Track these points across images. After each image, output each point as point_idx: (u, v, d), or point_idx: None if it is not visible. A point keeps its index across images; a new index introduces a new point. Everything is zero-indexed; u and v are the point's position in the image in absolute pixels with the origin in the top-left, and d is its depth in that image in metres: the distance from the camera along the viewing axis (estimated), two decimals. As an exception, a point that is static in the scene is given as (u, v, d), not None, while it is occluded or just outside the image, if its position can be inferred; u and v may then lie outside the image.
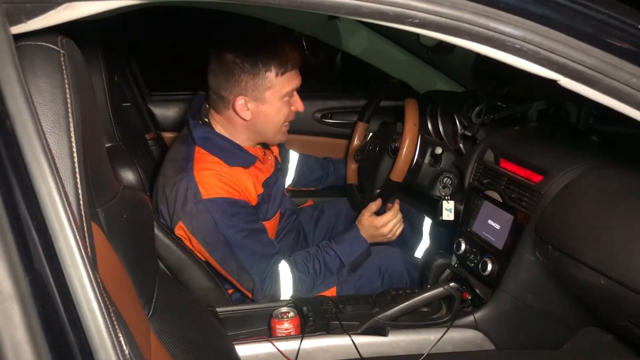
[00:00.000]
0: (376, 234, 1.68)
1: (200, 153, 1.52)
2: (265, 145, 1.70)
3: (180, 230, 1.50)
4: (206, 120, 1.58)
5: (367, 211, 1.70)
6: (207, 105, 1.61)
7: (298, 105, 1.59)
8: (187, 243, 1.53)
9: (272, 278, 1.54)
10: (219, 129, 1.58)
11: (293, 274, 1.56)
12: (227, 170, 1.51)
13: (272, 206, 1.66)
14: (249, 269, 1.51)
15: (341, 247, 1.64)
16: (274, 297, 1.55)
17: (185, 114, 2.29)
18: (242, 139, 1.59)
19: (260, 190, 1.60)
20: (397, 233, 1.73)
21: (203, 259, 1.56)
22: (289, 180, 2.03)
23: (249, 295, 1.56)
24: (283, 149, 1.94)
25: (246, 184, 1.54)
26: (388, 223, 1.68)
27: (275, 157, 1.78)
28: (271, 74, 1.49)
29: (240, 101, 1.50)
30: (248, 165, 1.58)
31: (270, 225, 1.66)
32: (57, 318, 0.54)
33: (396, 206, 1.72)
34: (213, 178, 1.48)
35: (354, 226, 1.71)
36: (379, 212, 1.72)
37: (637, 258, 1.10)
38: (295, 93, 1.58)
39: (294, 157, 2.06)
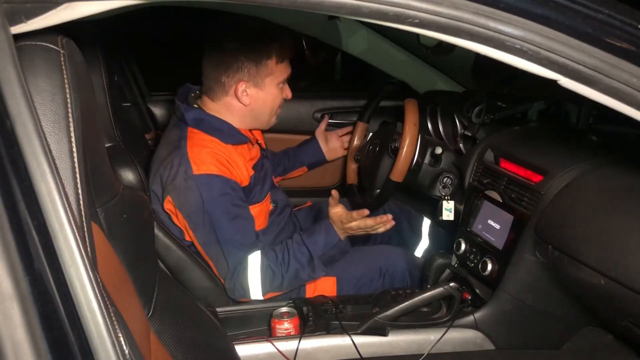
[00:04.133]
0: (344, 228, 1.57)
1: (193, 132, 1.56)
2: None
3: (168, 204, 1.52)
4: (195, 106, 1.63)
5: (334, 205, 1.60)
6: (194, 94, 1.67)
7: (287, 92, 1.68)
8: (174, 218, 1.54)
9: (243, 265, 1.52)
10: (211, 113, 1.62)
11: (262, 262, 1.52)
12: (221, 149, 1.54)
13: (263, 189, 1.68)
14: (226, 254, 1.51)
15: (311, 238, 1.57)
16: (243, 285, 1.51)
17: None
18: (236, 123, 1.63)
19: (252, 172, 1.62)
20: (375, 232, 1.59)
21: (188, 239, 1.56)
22: None
23: (223, 282, 1.56)
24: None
25: (238, 163, 1.57)
26: (352, 222, 1.55)
27: (259, 144, 1.77)
28: (272, 62, 1.58)
29: (241, 87, 1.58)
30: (240, 143, 1.62)
31: (261, 208, 1.66)
32: (57, 318, 0.54)
33: (365, 216, 1.55)
34: (207, 155, 1.50)
35: (325, 219, 1.63)
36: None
37: (637, 258, 1.10)
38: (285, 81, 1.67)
39: None
